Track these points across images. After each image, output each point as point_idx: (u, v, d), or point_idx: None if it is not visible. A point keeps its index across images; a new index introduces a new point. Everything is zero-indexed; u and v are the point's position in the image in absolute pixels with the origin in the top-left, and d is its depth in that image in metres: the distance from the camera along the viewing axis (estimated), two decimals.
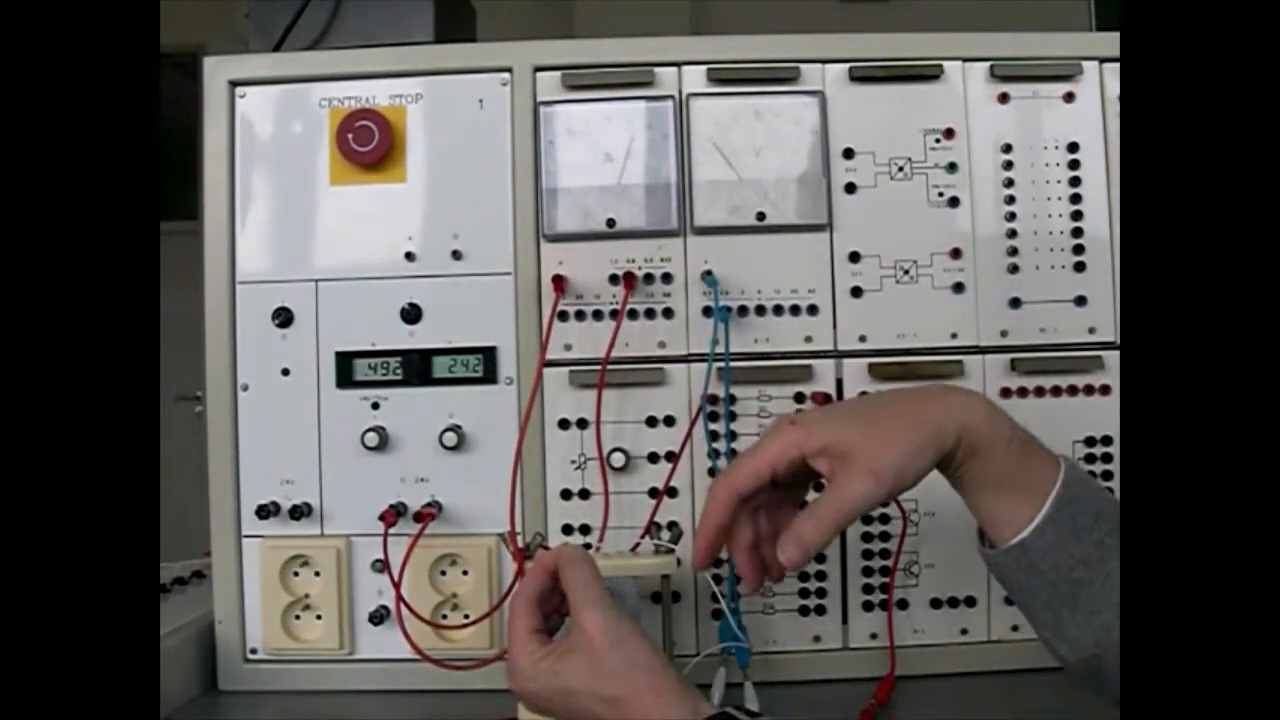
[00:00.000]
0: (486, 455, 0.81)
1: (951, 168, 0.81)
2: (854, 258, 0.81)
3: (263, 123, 0.83)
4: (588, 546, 0.70)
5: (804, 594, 0.81)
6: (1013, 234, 0.81)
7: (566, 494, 0.81)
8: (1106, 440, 0.80)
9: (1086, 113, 0.82)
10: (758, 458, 0.58)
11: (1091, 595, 0.55)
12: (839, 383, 0.80)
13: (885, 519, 0.80)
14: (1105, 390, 0.81)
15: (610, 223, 0.80)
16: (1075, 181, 0.82)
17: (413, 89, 0.82)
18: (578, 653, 0.57)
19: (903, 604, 0.81)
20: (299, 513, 0.81)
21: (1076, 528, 0.55)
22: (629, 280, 0.80)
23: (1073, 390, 0.81)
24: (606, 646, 0.56)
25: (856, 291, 0.81)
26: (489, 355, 0.81)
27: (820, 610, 0.81)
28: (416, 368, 0.81)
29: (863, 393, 0.79)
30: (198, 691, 0.81)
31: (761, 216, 0.80)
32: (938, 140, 0.81)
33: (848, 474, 0.56)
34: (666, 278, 0.81)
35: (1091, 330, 0.81)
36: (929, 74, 0.81)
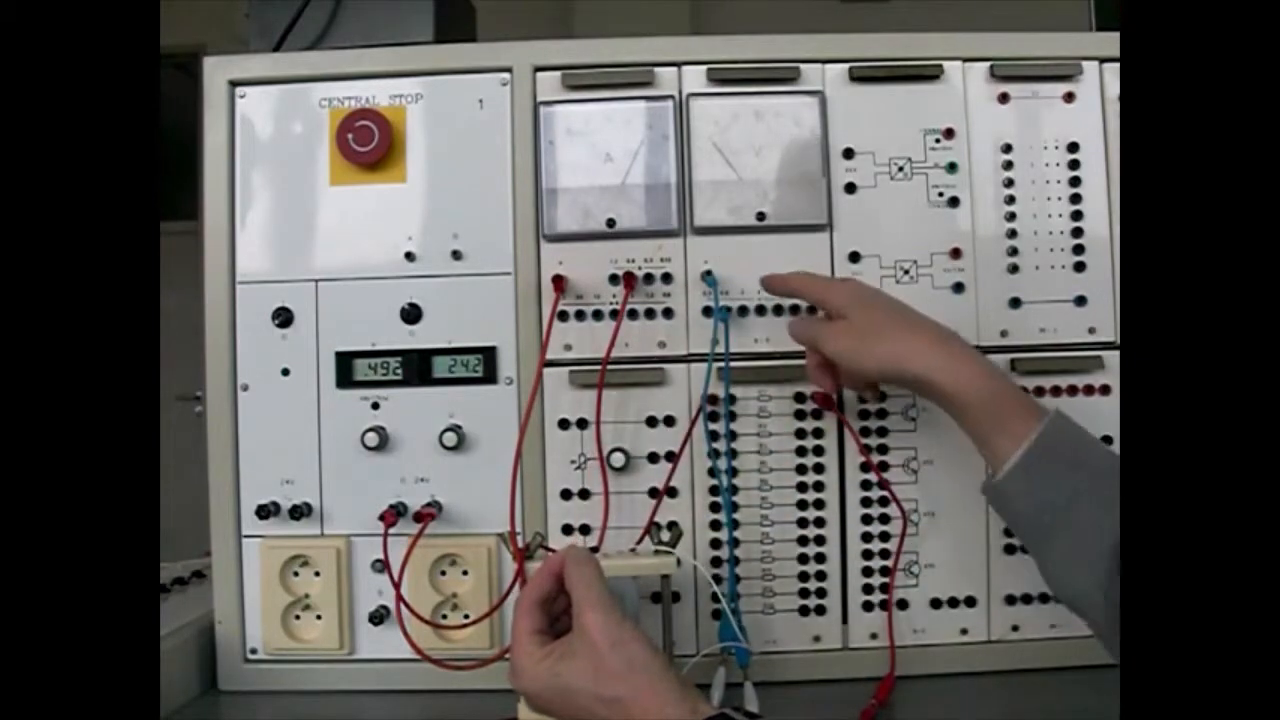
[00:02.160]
0: (486, 455, 0.81)
1: (951, 168, 0.81)
2: (854, 258, 0.81)
3: (263, 123, 0.83)
4: (593, 550, 0.70)
5: (804, 594, 0.81)
6: (1013, 234, 0.81)
7: (566, 494, 0.81)
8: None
9: (1086, 113, 0.82)
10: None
11: (1063, 540, 0.61)
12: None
13: (885, 519, 0.81)
14: (1105, 390, 0.81)
15: (610, 223, 0.81)
16: (1075, 181, 0.82)
17: (413, 89, 0.82)
18: (578, 653, 0.57)
19: (903, 604, 0.81)
20: (299, 513, 0.81)
21: (1048, 475, 0.62)
22: (629, 280, 0.80)
23: (1073, 390, 0.81)
24: (607, 647, 0.56)
25: None
26: (489, 355, 0.81)
27: (820, 610, 0.81)
28: (416, 368, 0.81)
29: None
30: (198, 691, 0.81)
31: (761, 216, 0.80)
32: (938, 140, 0.81)
33: (831, 331, 0.72)
34: (666, 278, 0.81)
35: (1091, 330, 0.81)
36: (929, 74, 0.81)
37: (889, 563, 0.80)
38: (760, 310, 0.81)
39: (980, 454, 0.67)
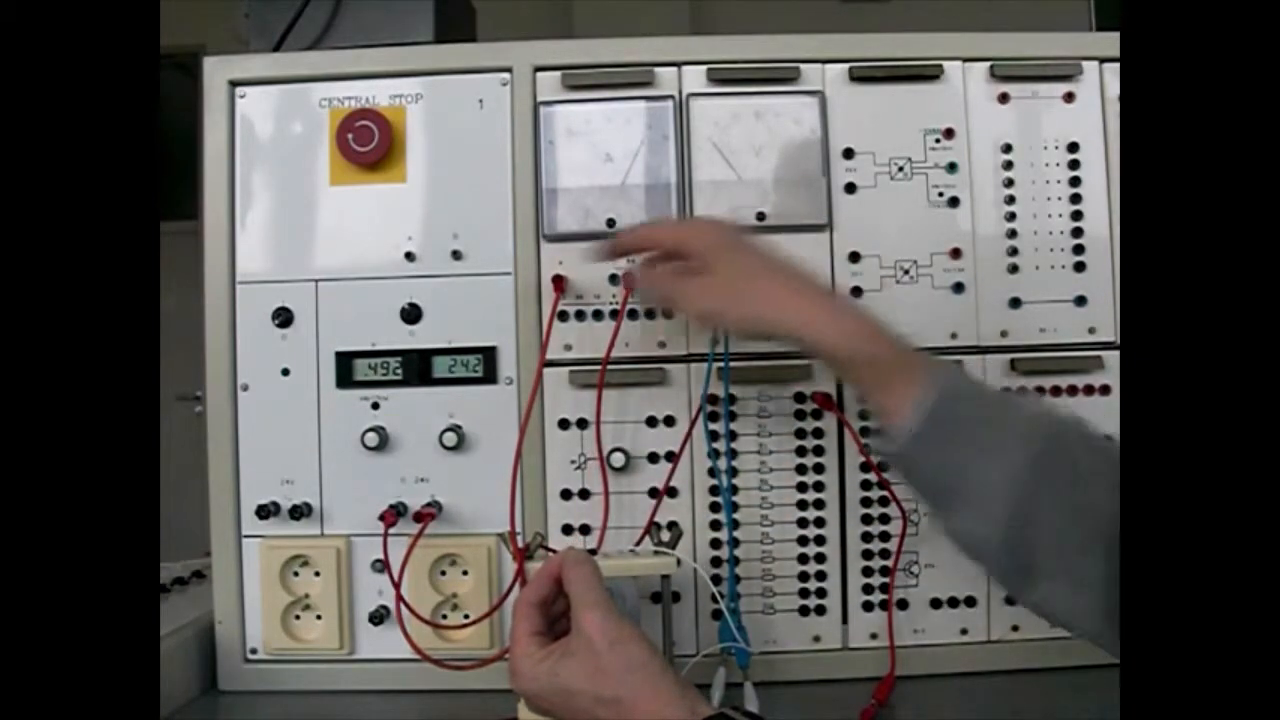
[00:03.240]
0: (486, 455, 0.81)
1: (951, 168, 0.81)
2: (854, 258, 0.81)
3: (263, 123, 0.83)
4: (592, 552, 0.70)
5: (804, 594, 0.81)
6: (1013, 234, 0.81)
7: (566, 494, 0.81)
8: (1106, 440, 0.80)
9: (1086, 113, 0.82)
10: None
11: (963, 496, 0.59)
12: (839, 383, 0.80)
13: (885, 519, 0.81)
14: (1105, 390, 0.81)
15: (610, 223, 0.80)
16: (1075, 181, 0.82)
17: (413, 89, 0.82)
18: (577, 654, 0.57)
19: (903, 604, 0.81)
20: (299, 513, 0.81)
21: (942, 438, 0.59)
22: (629, 280, 0.80)
23: (1073, 390, 0.81)
24: (606, 647, 0.56)
25: (856, 291, 0.81)
26: (489, 355, 0.81)
27: (820, 610, 0.81)
28: (416, 368, 0.81)
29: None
30: (198, 691, 0.81)
31: (761, 216, 0.80)
32: (938, 140, 0.81)
33: (693, 289, 0.67)
34: None
35: (1091, 330, 0.81)
36: (929, 74, 0.81)
37: (889, 563, 0.80)
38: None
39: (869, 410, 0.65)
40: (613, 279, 0.80)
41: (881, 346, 0.63)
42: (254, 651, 0.82)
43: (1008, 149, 0.82)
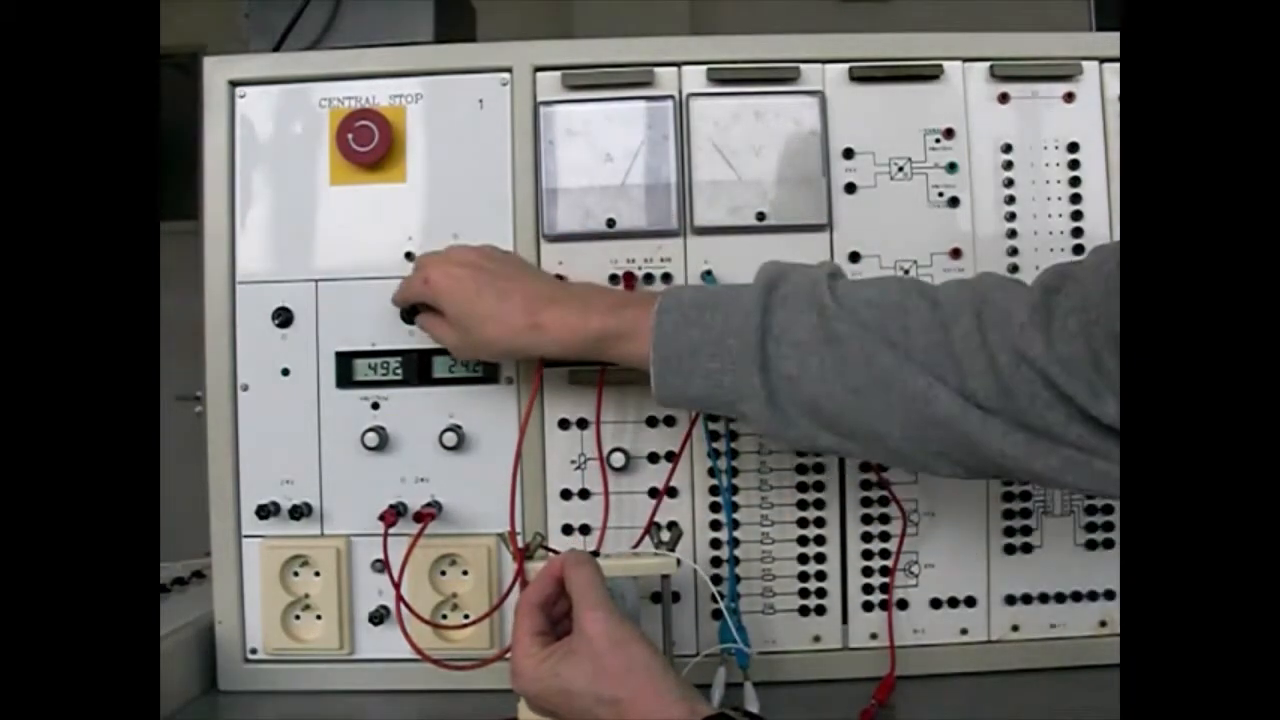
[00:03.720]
0: (486, 455, 0.81)
1: (951, 168, 0.81)
2: (854, 258, 0.81)
3: (263, 123, 0.83)
4: (595, 554, 0.70)
5: (804, 594, 0.81)
6: (1013, 234, 0.81)
7: (566, 494, 0.81)
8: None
9: (1086, 113, 0.82)
10: None
11: (733, 383, 0.65)
12: None
13: (885, 519, 0.81)
14: None
15: (610, 223, 0.80)
16: (1075, 181, 0.82)
17: (413, 89, 0.82)
18: (578, 654, 0.57)
19: (903, 604, 0.81)
20: (299, 513, 0.81)
21: (683, 359, 0.66)
22: (629, 280, 0.80)
23: None
24: (607, 648, 0.56)
25: None
26: None
27: (820, 610, 0.81)
28: (416, 368, 0.81)
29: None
30: (198, 691, 0.81)
31: (761, 216, 0.80)
32: (938, 140, 0.81)
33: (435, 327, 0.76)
34: (666, 278, 0.80)
35: None
36: (929, 74, 0.81)
37: (889, 563, 0.80)
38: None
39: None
40: (613, 279, 0.80)
41: (595, 319, 0.69)
42: (254, 651, 0.82)
43: (1008, 149, 0.82)
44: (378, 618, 0.80)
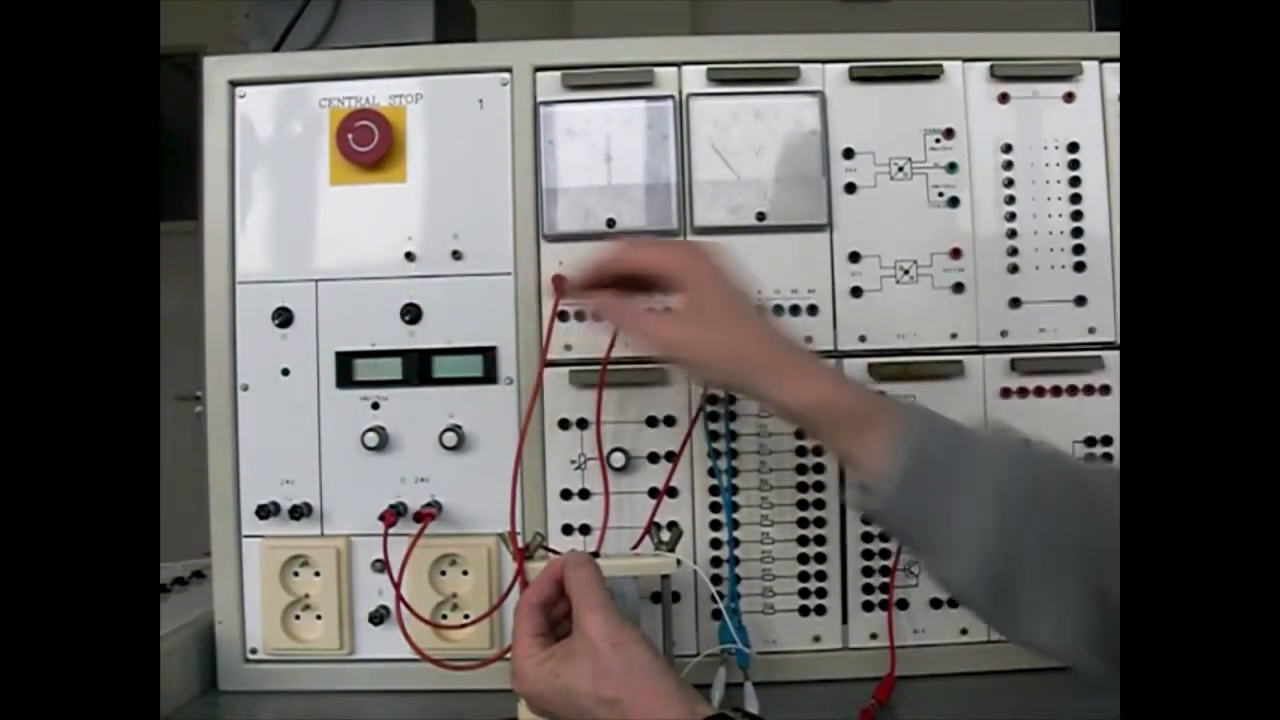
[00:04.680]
0: (486, 455, 0.81)
1: (951, 168, 0.81)
2: (854, 258, 0.81)
3: (263, 123, 0.83)
4: (595, 555, 0.70)
5: (804, 594, 0.81)
6: (1013, 234, 0.81)
7: (566, 494, 0.81)
8: (1106, 440, 0.80)
9: (1086, 113, 0.82)
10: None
11: (946, 540, 0.58)
12: None
13: None
14: (1105, 390, 0.81)
15: (610, 223, 0.80)
16: (1075, 181, 0.82)
17: (413, 89, 0.82)
18: (578, 655, 0.57)
19: (903, 604, 0.81)
20: (299, 513, 0.81)
21: (920, 491, 0.58)
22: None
23: (1073, 390, 0.81)
24: (607, 648, 0.56)
25: (856, 291, 0.81)
26: (489, 355, 0.81)
27: (820, 610, 0.81)
28: (416, 368, 0.81)
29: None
30: (198, 691, 0.81)
31: (761, 216, 0.80)
32: (938, 140, 0.81)
33: (660, 323, 0.66)
34: None
35: (1091, 330, 0.81)
36: (929, 74, 0.81)
37: (889, 563, 0.80)
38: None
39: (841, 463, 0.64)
40: None
41: (843, 397, 0.61)
42: (254, 651, 0.82)
43: (1008, 149, 0.82)
44: (378, 618, 0.80)
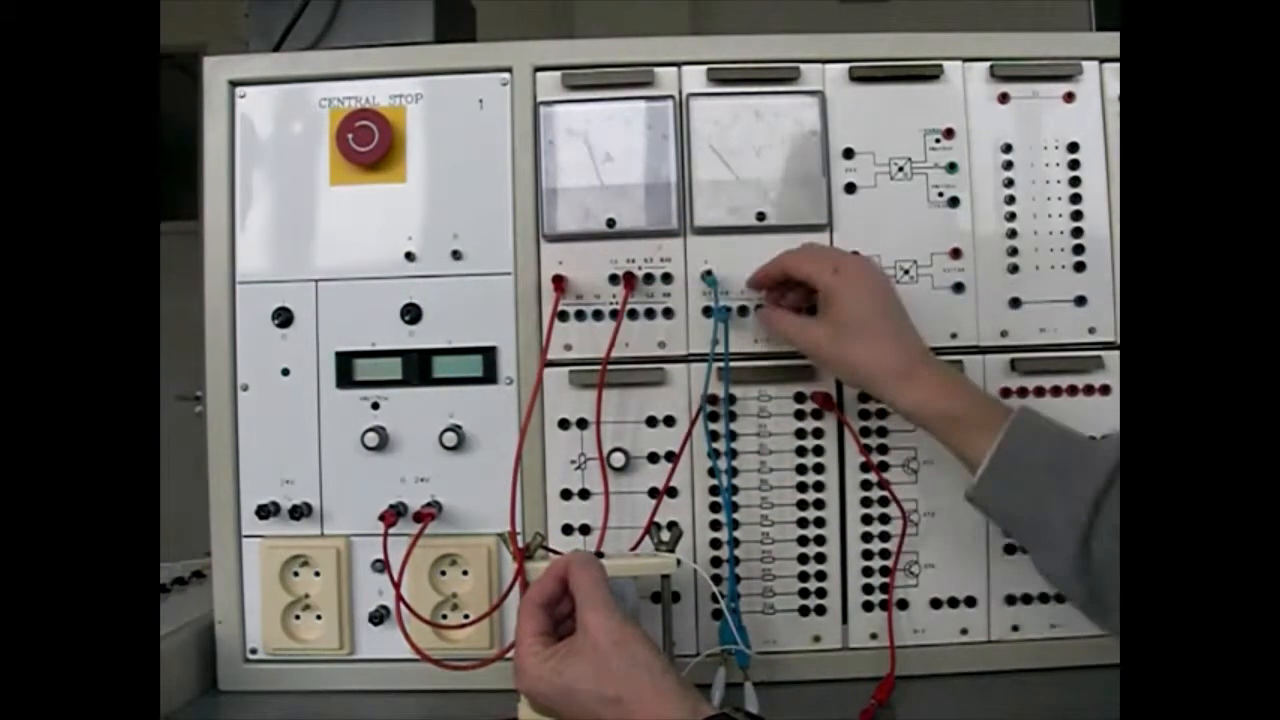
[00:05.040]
0: (486, 455, 0.81)
1: (951, 168, 0.81)
2: None
3: (263, 123, 0.83)
4: (599, 555, 0.70)
5: (804, 594, 0.81)
6: (1013, 234, 0.81)
7: (566, 494, 0.81)
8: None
9: (1086, 113, 0.82)
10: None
11: (1038, 536, 0.65)
12: (839, 383, 0.80)
13: (885, 519, 0.81)
14: (1105, 390, 0.81)
15: (610, 223, 0.80)
16: (1075, 181, 0.82)
17: (413, 89, 0.82)
18: (581, 653, 0.57)
19: (903, 604, 0.81)
20: (299, 513, 0.81)
21: (1013, 483, 0.65)
22: (629, 280, 0.80)
23: (1073, 390, 0.81)
24: (609, 647, 0.56)
25: None
26: (489, 355, 0.81)
27: (820, 610, 0.81)
28: (416, 368, 0.81)
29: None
30: (198, 691, 0.81)
31: (761, 216, 0.80)
32: (938, 140, 0.81)
33: (802, 327, 0.75)
34: (666, 278, 0.81)
35: (1091, 330, 0.81)
36: (929, 74, 0.81)
37: (889, 563, 0.80)
38: (760, 310, 0.80)
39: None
40: (613, 279, 0.80)
41: (958, 405, 0.68)
42: (254, 651, 0.82)
43: (1008, 149, 0.82)
44: (378, 618, 0.80)
